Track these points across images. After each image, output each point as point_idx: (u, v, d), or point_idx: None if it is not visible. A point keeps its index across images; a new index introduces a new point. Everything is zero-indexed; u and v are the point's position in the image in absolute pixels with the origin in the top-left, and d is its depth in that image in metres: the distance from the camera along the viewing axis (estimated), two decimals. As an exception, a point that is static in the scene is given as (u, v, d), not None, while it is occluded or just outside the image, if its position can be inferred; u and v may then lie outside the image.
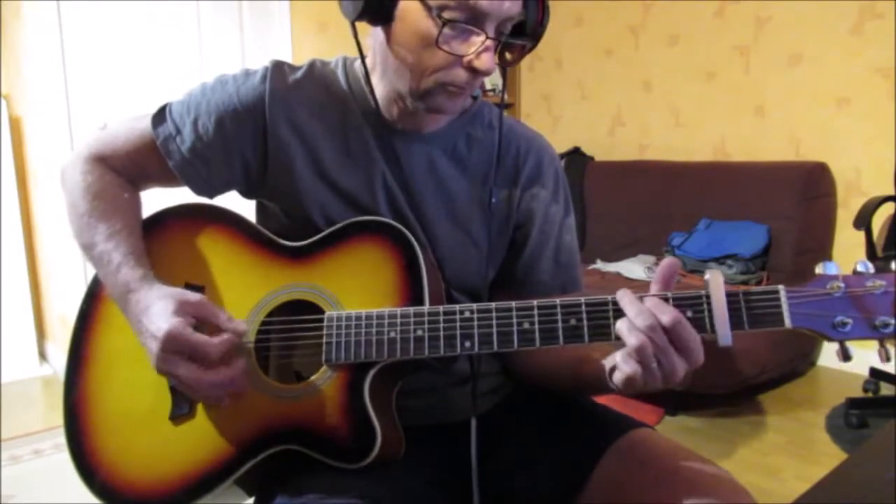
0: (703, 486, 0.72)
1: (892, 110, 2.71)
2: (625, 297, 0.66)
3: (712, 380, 2.33)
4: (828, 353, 2.95)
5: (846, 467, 0.85)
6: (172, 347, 0.71)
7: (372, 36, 0.81)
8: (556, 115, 4.06)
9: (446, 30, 0.71)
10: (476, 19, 0.72)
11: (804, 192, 2.77)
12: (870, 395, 2.56)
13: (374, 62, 0.84)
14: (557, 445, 0.84)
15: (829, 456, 2.13)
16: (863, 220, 2.27)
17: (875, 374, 2.58)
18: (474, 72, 0.74)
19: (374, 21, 0.77)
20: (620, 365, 0.66)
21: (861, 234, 2.29)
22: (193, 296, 0.76)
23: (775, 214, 2.80)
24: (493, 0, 0.71)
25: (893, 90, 2.71)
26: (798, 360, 2.80)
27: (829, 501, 0.75)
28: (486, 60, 0.73)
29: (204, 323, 0.75)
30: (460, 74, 0.75)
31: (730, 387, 2.38)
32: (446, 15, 0.71)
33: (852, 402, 2.32)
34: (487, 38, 0.72)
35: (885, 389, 2.56)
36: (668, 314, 0.63)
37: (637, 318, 0.64)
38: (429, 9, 0.72)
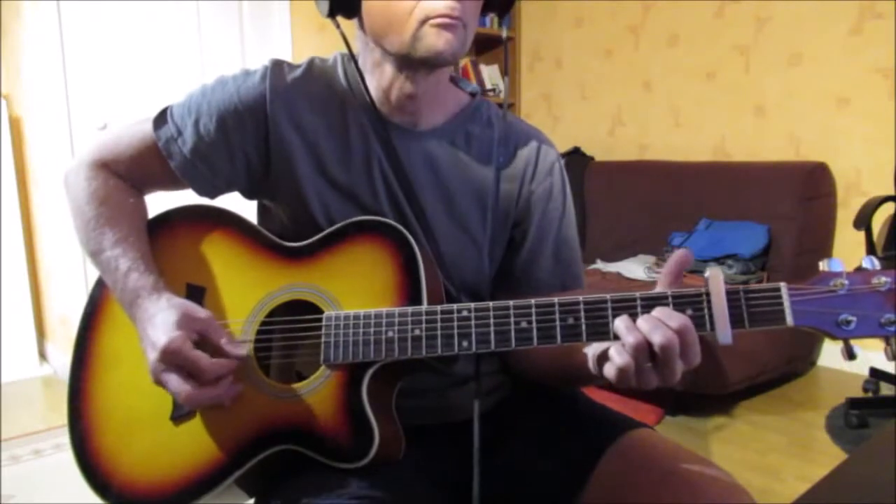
0: (702, 486, 0.72)
1: (892, 110, 2.71)
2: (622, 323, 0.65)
3: (712, 380, 2.33)
4: (828, 354, 2.95)
5: (846, 467, 0.85)
6: (169, 360, 0.71)
7: (357, 34, 0.83)
8: (556, 115, 4.06)
9: None
10: None
11: (804, 192, 2.77)
12: (870, 395, 2.56)
13: (364, 58, 0.85)
14: (557, 445, 0.84)
15: (829, 456, 2.13)
16: (863, 220, 2.27)
17: (875, 374, 2.58)
18: None
19: (346, 12, 0.79)
20: (614, 356, 0.65)
21: (861, 234, 2.29)
22: (201, 312, 0.75)
23: (775, 214, 2.80)
24: None
25: (893, 90, 2.71)
26: (798, 360, 2.80)
27: (829, 501, 0.75)
28: None
29: (205, 341, 0.74)
30: (436, 2, 0.73)
31: (730, 387, 2.38)
32: None
33: (852, 402, 2.32)
34: None
35: (885, 389, 2.56)
36: (676, 321, 0.62)
37: (642, 322, 0.63)
38: None
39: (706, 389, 2.37)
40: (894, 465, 0.83)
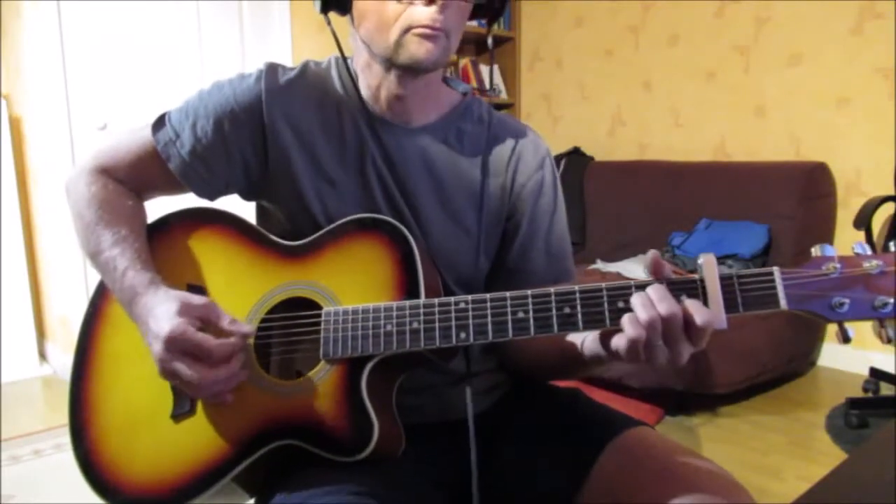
0: (701, 484, 0.72)
1: (892, 110, 2.71)
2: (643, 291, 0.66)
3: (712, 380, 2.33)
4: (828, 354, 2.95)
5: (846, 467, 0.85)
6: (175, 347, 0.71)
7: (351, 32, 0.85)
8: (556, 115, 4.06)
9: None
10: None
11: (804, 192, 2.77)
12: (870, 395, 2.56)
13: (358, 55, 0.87)
14: (556, 444, 0.84)
15: (829, 456, 2.13)
16: (863, 220, 2.27)
17: (875, 374, 2.58)
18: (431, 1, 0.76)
19: (338, 8, 0.82)
20: (626, 326, 0.65)
21: (861, 234, 2.29)
22: (198, 298, 0.76)
23: (775, 214, 2.80)
24: None
25: (893, 90, 2.71)
26: (798, 360, 2.80)
27: (829, 501, 0.75)
28: None
29: (208, 325, 0.74)
30: (420, 12, 0.76)
31: (730, 387, 2.38)
32: None
33: (852, 402, 2.32)
34: None
35: (885, 389, 2.56)
36: (701, 312, 0.63)
37: (659, 302, 0.64)
38: None
39: (706, 389, 2.37)
40: (894, 465, 0.83)
